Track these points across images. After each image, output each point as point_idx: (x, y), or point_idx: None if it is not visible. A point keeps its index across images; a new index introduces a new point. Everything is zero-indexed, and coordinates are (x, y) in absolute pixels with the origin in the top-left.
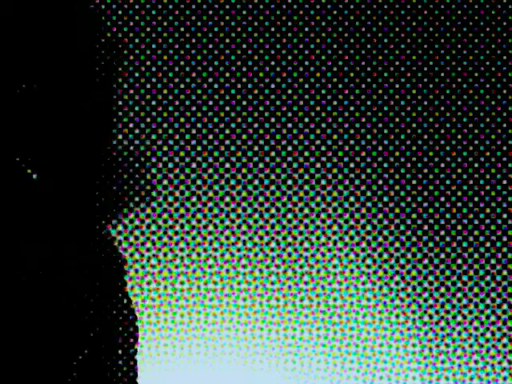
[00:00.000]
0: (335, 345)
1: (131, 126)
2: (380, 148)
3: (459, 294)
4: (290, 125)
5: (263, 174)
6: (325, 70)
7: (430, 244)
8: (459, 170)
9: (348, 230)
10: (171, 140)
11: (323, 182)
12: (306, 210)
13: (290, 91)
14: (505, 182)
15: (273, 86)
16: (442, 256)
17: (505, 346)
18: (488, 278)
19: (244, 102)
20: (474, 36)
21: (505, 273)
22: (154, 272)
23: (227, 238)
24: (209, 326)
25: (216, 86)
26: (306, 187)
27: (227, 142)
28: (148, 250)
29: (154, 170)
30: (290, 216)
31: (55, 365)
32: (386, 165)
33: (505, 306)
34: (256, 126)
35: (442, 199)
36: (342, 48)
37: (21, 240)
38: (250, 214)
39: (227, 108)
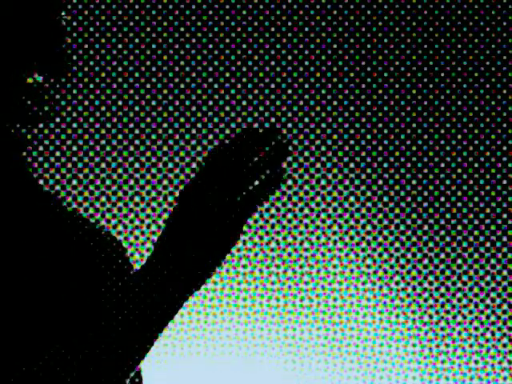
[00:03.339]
0: (335, 345)
1: (132, 126)
2: (380, 148)
3: (459, 294)
4: (289, 125)
5: None
6: (325, 70)
7: (430, 244)
8: (459, 170)
9: (348, 229)
10: (171, 140)
11: (323, 182)
12: (306, 210)
13: (289, 91)
14: (505, 181)
15: (273, 86)
16: (442, 256)
17: (505, 345)
18: (488, 277)
19: (244, 102)
20: (474, 36)
21: (505, 273)
22: None
23: None
24: (209, 325)
25: (216, 85)
26: (306, 187)
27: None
28: (148, 250)
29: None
30: (290, 216)
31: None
32: (386, 165)
33: (505, 306)
34: (256, 126)
35: (442, 199)
36: (342, 48)
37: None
38: None
39: (227, 108)
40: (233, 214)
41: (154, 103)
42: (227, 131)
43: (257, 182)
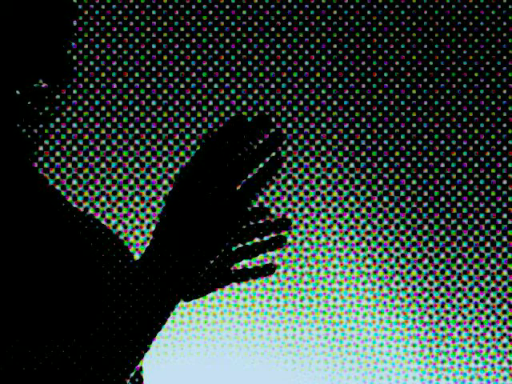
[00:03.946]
0: (335, 345)
1: (131, 126)
2: (380, 148)
3: (459, 294)
4: (290, 125)
5: None
6: (325, 70)
7: (430, 244)
8: (459, 170)
9: (348, 229)
10: (171, 140)
11: (323, 182)
12: (306, 210)
13: (289, 91)
14: (505, 181)
15: (273, 86)
16: (442, 256)
17: (505, 345)
18: (488, 277)
19: (244, 102)
20: (474, 36)
21: (505, 273)
22: None
23: None
24: (209, 325)
25: (216, 85)
26: (306, 187)
27: None
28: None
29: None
30: (289, 216)
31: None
32: (386, 165)
33: (505, 306)
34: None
35: (442, 199)
36: (342, 48)
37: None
38: None
39: (227, 108)
40: (233, 202)
41: (154, 103)
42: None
43: (254, 170)
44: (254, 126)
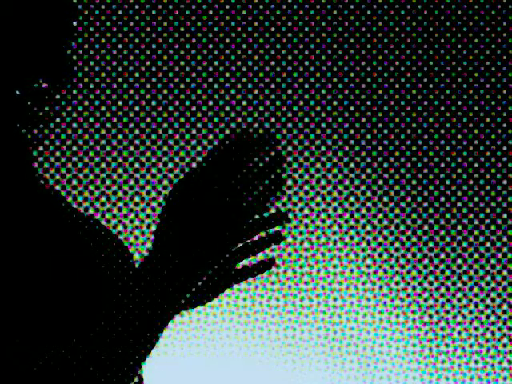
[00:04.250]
0: (335, 345)
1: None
2: (380, 148)
3: (459, 294)
4: (290, 125)
5: None
6: (325, 70)
7: (430, 244)
8: (459, 170)
9: (348, 229)
10: (171, 140)
11: (323, 182)
12: (306, 210)
13: (289, 91)
14: (505, 181)
15: (273, 86)
16: (442, 256)
17: (505, 345)
18: (488, 277)
19: (244, 102)
20: (474, 36)
21: (505, 273)
22: None
23: None
24: (209, 325)
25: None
26: (306, 187)
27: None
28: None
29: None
30: (289, 216)
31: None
32: (386, 165)
33: (505, 306)
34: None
35: (442, 199)
36: (342, 48)
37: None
38: None
39: (227, 108)
40: (237, 204)
41: (154, 103)
42: (227, 131)
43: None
44: (260, 143)
